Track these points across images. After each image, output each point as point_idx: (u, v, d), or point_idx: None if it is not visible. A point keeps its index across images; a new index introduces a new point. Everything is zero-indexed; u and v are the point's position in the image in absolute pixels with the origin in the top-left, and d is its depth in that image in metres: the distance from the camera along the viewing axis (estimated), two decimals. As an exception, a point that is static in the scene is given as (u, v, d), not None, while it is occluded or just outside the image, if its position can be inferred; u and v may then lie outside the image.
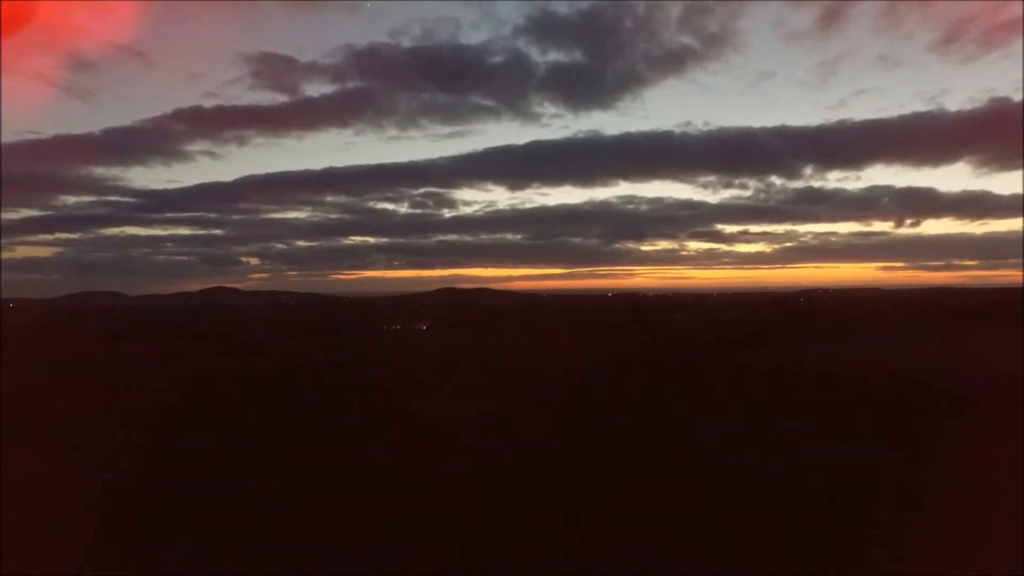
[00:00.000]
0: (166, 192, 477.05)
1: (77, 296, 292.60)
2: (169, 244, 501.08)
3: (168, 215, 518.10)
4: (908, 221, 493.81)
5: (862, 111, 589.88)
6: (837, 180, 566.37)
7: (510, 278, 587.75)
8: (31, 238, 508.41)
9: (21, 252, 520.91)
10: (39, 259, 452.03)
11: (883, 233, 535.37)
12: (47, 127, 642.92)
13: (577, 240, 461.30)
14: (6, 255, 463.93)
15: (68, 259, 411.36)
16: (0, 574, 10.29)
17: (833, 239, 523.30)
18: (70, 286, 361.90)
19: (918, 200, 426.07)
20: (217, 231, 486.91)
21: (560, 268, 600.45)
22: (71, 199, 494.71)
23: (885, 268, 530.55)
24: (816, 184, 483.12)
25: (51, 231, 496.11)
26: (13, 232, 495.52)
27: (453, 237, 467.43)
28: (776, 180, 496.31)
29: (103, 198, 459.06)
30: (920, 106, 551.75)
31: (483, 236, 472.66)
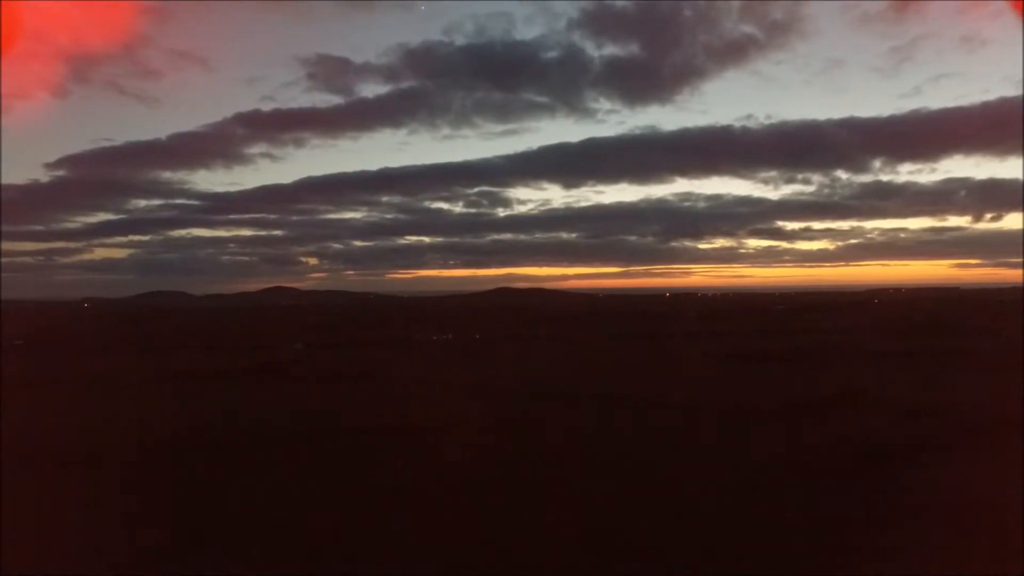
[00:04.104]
0: (228, 195, 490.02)
1: (148, 296, 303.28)
2: (232, 245, 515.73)
3: (231, 216, 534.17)
4: (988, 215, 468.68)
5: (939, 98, 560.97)
6: (909, 173, 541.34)
7: (564, 277, 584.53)
8: (107, 240, 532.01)
9: (99, 254, 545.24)
10: (115, 260, 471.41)
11: (959, 228, 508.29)
12: (119, 135, 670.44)
13: (633, 238, 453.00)
14: (86, 256, 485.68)
15: (140, 260, 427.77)
16: (0, 574, 10.32)
17: (902, 235, 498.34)
18: (142, 285, 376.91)
19: (1001, 192, 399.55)
20: (277, 232, 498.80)
21: (615, 267, 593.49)
22: (142, 202, 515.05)
23: (960, 265, 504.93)
24: (885, 178, 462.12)
25: (125, 233, 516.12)
26: (92, 235, 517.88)
27: (508, 236, 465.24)
28: (842, 174, 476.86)
29: (170, 201, 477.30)
30: (1008, 90, 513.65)
31: (538, 235, 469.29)
